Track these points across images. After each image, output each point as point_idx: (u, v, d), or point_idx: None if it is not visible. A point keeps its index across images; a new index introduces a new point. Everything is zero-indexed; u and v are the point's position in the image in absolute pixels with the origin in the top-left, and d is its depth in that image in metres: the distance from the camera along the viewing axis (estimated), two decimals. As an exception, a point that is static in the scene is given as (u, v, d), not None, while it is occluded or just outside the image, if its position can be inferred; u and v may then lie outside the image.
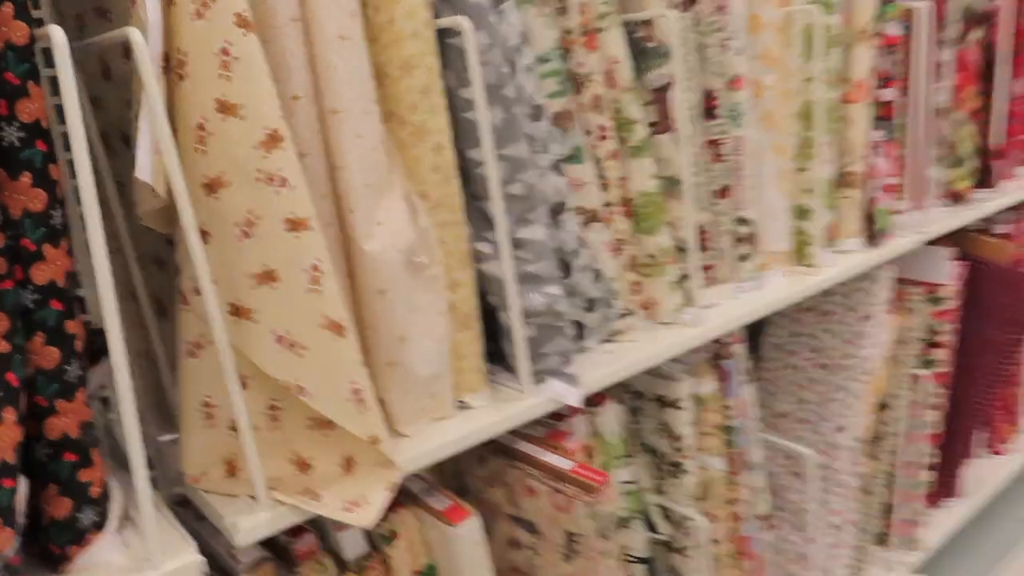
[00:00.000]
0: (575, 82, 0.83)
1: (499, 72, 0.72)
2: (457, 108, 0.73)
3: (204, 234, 0.60)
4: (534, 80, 0.78)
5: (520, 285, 0.75)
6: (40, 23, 0.71)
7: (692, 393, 0.98)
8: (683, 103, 0.89)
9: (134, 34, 0.52)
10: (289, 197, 0.58)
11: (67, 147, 0.74)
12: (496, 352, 0.81)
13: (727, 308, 0.97)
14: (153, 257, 0.73)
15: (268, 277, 0.59)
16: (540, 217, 0.76)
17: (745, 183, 0.99)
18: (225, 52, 0.56)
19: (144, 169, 0.53)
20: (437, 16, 0.70)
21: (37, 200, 0.52)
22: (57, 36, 0.48)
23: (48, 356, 0.53)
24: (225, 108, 0.57)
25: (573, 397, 0.77)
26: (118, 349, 0.53)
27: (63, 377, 0.54)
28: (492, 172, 0.72)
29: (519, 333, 0.75)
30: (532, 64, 0.78)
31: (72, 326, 0.54)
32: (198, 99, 0.57)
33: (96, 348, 0.71)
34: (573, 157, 0.82)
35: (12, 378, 0.50)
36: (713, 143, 0.97)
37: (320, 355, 0.60)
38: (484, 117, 0.71)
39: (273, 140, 0.58)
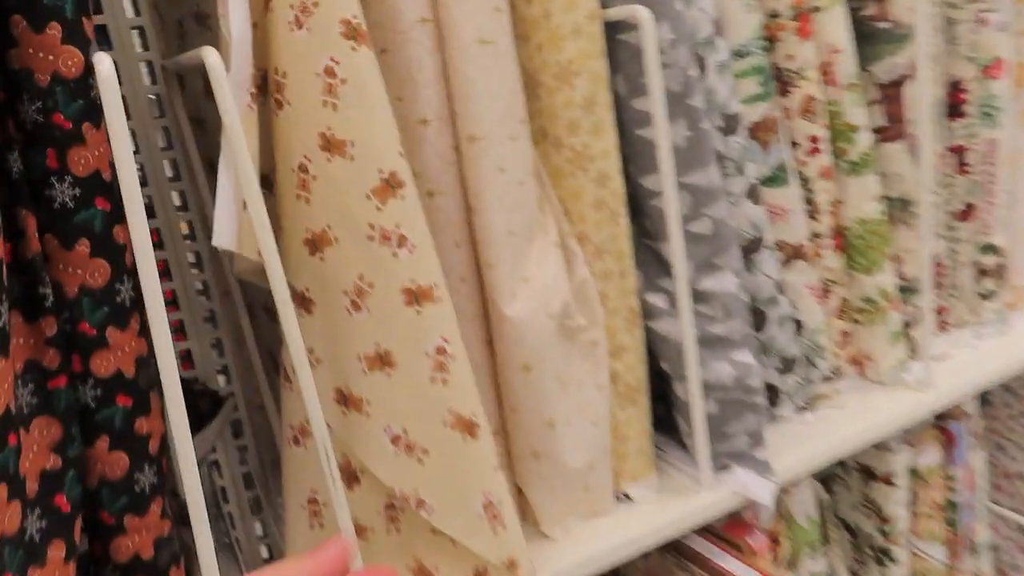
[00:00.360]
0: (781, 81, 0.64)
1: (685, 76, 0.55)
2: (628, 124, 0.57)
3: (306, 302, 0.47)
4: (728, 82, 0.60)
5: (702, 350, 0.59)
6: (142, 32, 0.61)
7: (910, 466, 0.78)
8: (924, 100, 0.68)
9: (209, 56, 0.39)
10: (409, 260, 0.45)
11: (177, 176, 0.65)
12: (665, 417, 0.65)
13: (963, 362, 0.76)
14: (264, 304, 0.62)
15: (382, 361, 0.46)
16: (730, 262, 0.59)
17: (996, 200, 0.76)
18: (330, 72, 0.43)
19: (224, 234, 0.41)
20: (605, 6, 0.54)
21: (97, 273, 0.41)
22: (103, 68, 0.36)
23: (114, 464, 0.43)
24: (330, 145, 0.44)
25: (765, 493, 0.60)
26: (186, 448, 0.42)
27: (133, 488, 0.43)
28: (671, 206, 0.55)
29: (699, 412, 0.59)
30: (727, 61, 0.60)
31: (144, 424, 0.44)
32: (299, 133, 0.45)
33: (203, 410, 0.62)
34: (775, 178, 0.64)
35: (62, 502, 0.40)
36: (957, 150, 0.75)
37: (445, 461, 0.47)
38: (664, 135, 0.54)
39: (389, 186, 0.44)
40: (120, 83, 0.59)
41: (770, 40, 0.63)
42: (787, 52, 0.64)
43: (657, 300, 0.60)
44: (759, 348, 0.65)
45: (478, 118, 0.50)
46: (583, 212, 0.55)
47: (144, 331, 0.44)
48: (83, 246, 0.40)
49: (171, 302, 0.64)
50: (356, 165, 0.44)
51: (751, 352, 0.60)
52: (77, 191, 0.40)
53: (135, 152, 0.61)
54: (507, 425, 0.56)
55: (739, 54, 0.61)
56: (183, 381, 0.60)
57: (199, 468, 0.63)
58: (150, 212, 0.62)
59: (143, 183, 0.61)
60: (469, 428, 0.47)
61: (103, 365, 0.42)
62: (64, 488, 0.40)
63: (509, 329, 0.52)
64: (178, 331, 0.65)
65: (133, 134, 0.60)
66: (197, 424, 0.61)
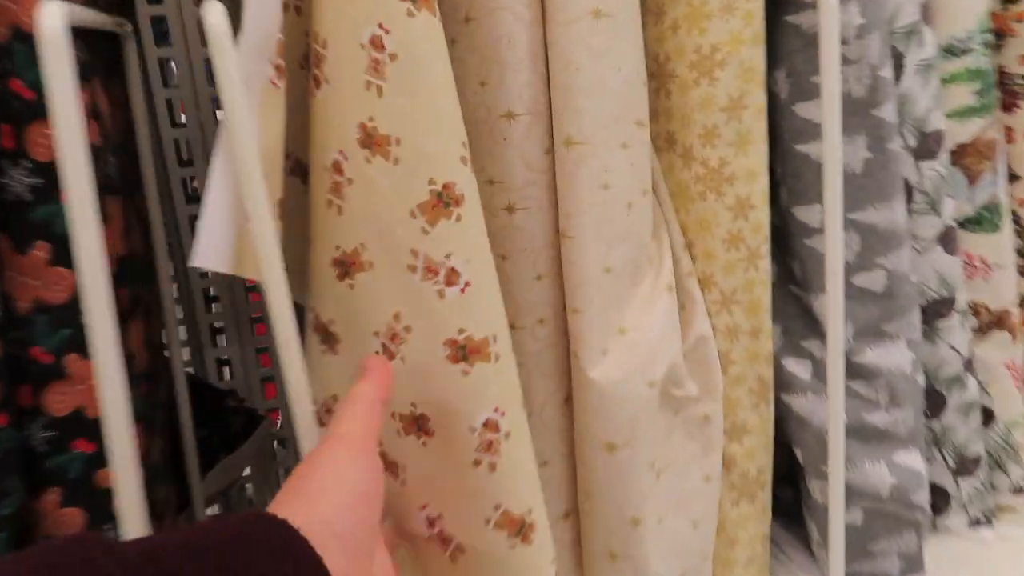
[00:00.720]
0: (1006, 91, 0.48)
1: (873, 76, 0.41)
2: (785, 136, 0.43)
3: (331, 338, 0.37)
4: (932, 88, 0.44)
5: (853, 443, 0.44)
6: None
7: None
8: None
9: (211, 14, 0.29)
10: (459, 303, 0.33)
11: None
12: (792, 505, 0.51)
13: None
14: (314, 311, 0.52)
15: (418, 426, 0.35)
16: (906, 328, 0.44)
17: None
18: (377, 44, 0.32)
19: (209, 249, 0.31)
20: (774, -26, 0.40)
21: (58, 286, 0.32)
22: (47, 21, 0.26)
23: (66, 523, 0.34)
24: (370, 140, 0.33)
25: (917, 638, 0.45)
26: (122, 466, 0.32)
27: (91, 552, 0.34)
28: (834, 249, 0.41)
29: (838, 522, 0.44)
30: (933, 59, 0.44)
31: (108, 477, 0.35)
32: (337, 121, 0.34)
33: (235, 429, 0.53)
34: (981, 221, 0.48)
35: (-15, 575, 0.31)
36: None
37: (484, 567, 0.36)
38: (835, 155, 0.40)
39: (441, 202, 0.33)
40: (167, 43, 0.51)
41: (999, 34, 0.47)
42: (1021, 51, 0.47)
43: (798, 369, 0.45)
44: (931, 439, 0.49)
45: (581, 115, 0.37)
46: (711, 248, 0.42)
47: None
48: (40, 250, 0.31)
49: (215, 299, 0.55)
50: (401, 171, 0.33)
51: (920, 453, 0.45)
52: (37, 180, 0.31)
53: (180, 124, 0.52)
54: (580, 511, 0.44)
55: (952, 51, 0.45)
56: (217, 393, 0.51)
57: (226, 495, 0.54)
58: (195, 195, 0.53)
59: (187, 162, 0.52)
60: (520, 530, 0.35)
61: (59, 401, 0.33)
62: (-10, 556, 0.31)
63: (593, 395, 0.40)
64: (220, 332, 0.56)
65: (174, 104, 0.52)
66: (228, 445, 0.53)
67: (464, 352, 0.34)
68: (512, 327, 0.41)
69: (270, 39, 0.31)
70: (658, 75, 0.41)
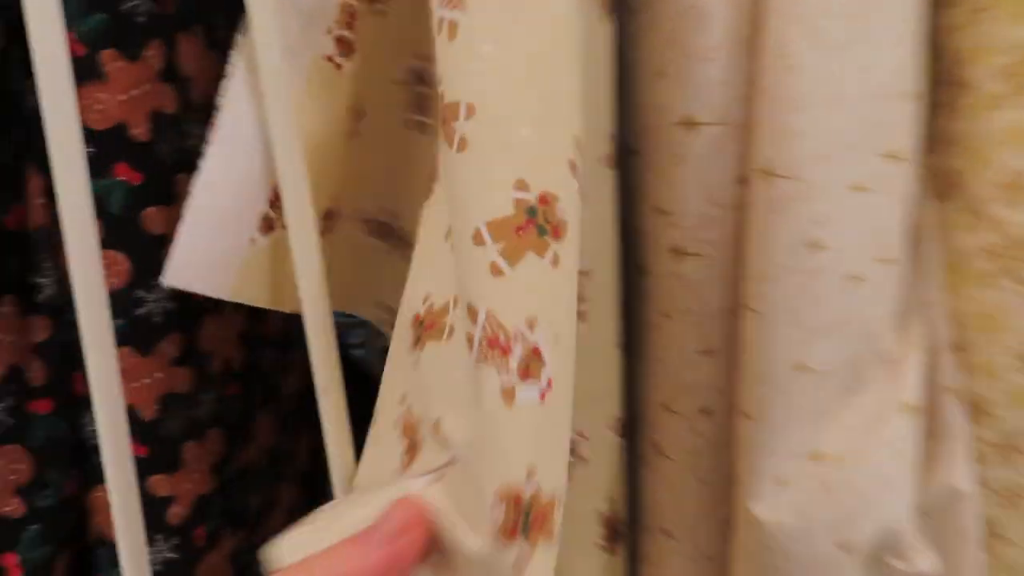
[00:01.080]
0: None
1: None
2: None
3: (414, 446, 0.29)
4: None
5: None
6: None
7: None
8: None
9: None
10: (531, 421, 0.21)
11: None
12: None
13: None
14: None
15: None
16: None
17: None
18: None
19: (193, 268, 0.24)
20: None
21: (110, 271, 0.28)
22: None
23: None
24: (449, 119, 0.24)
25: None
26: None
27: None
28: None
29: None
30: None
31: (164, 484, 0.31)
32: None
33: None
34: None
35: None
36: None
37: None
38: None
39: (534, 225, 0.22)
40: None
41: None
42: None
43: None
44: None
45: (790, 137, 0.25)
46: (995, 361, 0.27)
47: (186, 360, 0.31)
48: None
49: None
50: (471, 161, 0.21)
51: None
52: (90, 150, 0.27)
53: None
54: None
55: None
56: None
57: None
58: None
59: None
60: None
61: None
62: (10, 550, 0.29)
63: (752, 539, 0.28)
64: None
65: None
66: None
67: (526, 523, 0.21)
68: (665, 408, 0.31)
69: (328, 2, 0.24)
70: (944, 84, 0.26)
